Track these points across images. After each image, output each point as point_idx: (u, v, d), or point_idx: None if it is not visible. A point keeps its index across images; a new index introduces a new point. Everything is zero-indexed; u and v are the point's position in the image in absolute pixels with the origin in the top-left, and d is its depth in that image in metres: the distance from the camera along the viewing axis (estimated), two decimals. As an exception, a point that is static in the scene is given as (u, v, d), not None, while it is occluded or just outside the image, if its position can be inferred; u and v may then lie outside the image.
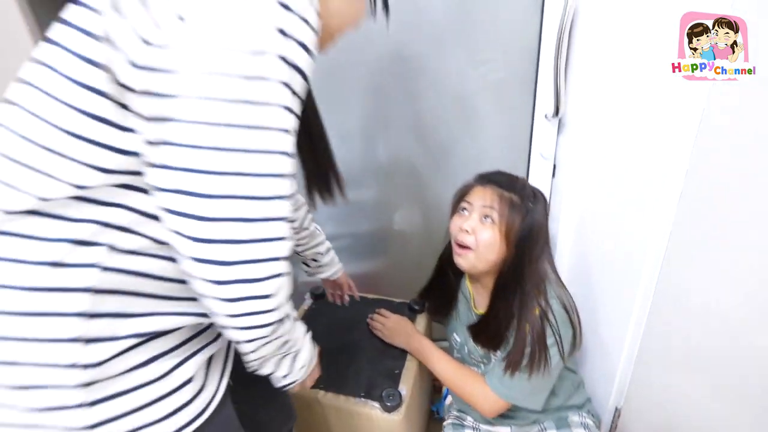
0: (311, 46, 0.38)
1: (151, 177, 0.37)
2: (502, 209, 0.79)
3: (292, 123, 0.39)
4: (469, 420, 0.98)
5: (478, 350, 0.90)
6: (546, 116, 1.07)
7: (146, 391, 0.44)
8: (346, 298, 1.10)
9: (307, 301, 1.20)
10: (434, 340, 1.01)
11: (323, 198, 0.73)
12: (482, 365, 0.93)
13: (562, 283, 0.88)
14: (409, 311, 1.11)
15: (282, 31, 0.35)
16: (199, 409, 0.48)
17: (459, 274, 0.96)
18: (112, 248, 0.40)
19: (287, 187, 0.40)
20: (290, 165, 0.40)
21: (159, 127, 0.35)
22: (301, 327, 0.56)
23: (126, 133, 0.37)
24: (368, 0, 0.53)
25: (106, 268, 0.40)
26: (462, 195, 0.86)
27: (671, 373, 0.78)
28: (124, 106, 0.36)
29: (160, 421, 0.45)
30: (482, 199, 0.81)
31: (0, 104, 0.39)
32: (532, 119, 1.11)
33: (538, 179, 1.18)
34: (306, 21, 0.37)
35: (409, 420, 0.91)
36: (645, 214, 0.78)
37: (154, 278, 0.43)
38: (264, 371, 0.53)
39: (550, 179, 1.17)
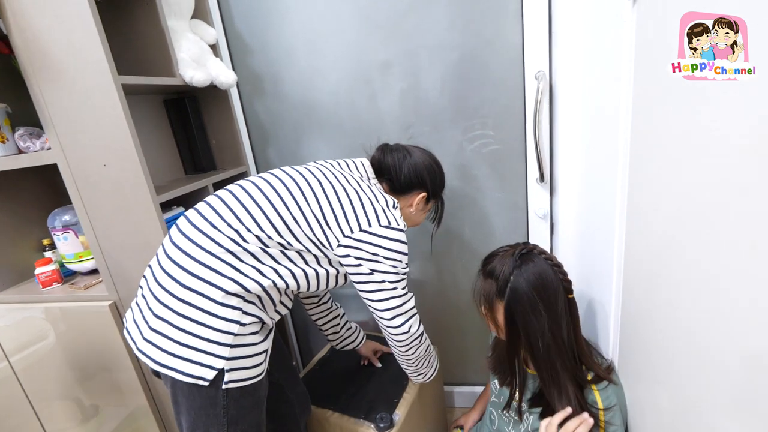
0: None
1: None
2: (485, 301, 0.84)
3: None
4: None
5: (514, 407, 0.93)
6: (536, 181, 1.22)
7: (251, 349, 0.77)
8: (377, 363, 1.30)
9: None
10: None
11: None
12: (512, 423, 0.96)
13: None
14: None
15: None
16: (262, 371, 0.80)
17: None
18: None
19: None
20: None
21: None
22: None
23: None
24: (431, 214, 1.08)
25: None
26: None
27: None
28: None
29: (252, 368, 0.77)
30: (477, 292, 0.87)
31: None
32: (526, 184, 1.26)
33: (537, 238, 1.29)
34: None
35: (401, 443, 1.05)
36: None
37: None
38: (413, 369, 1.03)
39: (549, 237, 1.28)
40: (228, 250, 0.74)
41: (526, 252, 0.83)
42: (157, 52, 1.05)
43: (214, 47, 1.25)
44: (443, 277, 1.46)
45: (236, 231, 0.75)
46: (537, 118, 1.12)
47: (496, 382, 1.02)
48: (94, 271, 1.20)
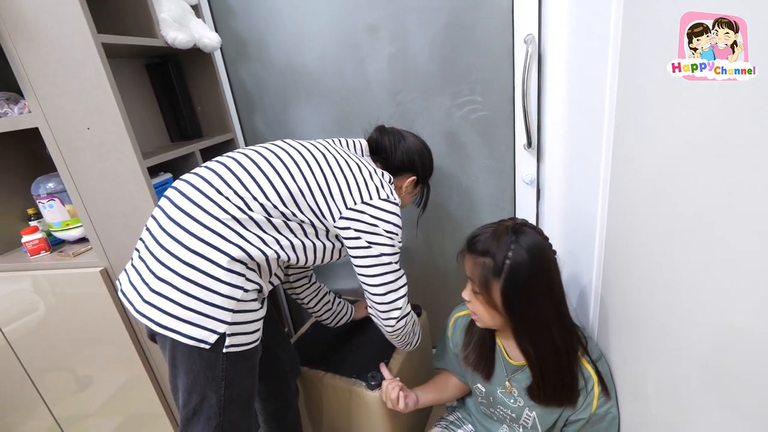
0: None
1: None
2: (479, 281, 0.76)
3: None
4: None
5: (510, 404, 0.88)
6: (524, 147, 1.23)
7: (250, 315, 0.78)
8: None
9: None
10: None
11: None
12: (509, 420, 0.92)
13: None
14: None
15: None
16: (259, 336, 0.82)
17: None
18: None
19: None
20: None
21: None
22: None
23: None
24: (417, 198, 1.11)
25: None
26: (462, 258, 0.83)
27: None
28: None
29: (250, 334, 0.79)
30: (467, 270, 0.80)
31: None
32: (514, 150, 1.27)
33: (524, 204, 1.32)
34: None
35: (390, 399, 1.09)
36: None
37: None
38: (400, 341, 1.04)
39: (536, 203, 1.31)
40: (234, 217, 0.75)
41: (520, 225, 0.78)
42: (137, 11, 1.02)
43: (195, 8, 1.21)
44: (431, 245, 1.49)
45: (242, 199, 0.76)
46: (525, 83, 1.12)
47: (479, 385, 0.93)
48: (82, 240, 1.19)
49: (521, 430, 0.91)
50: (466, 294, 0.82)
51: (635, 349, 0.73)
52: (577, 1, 0.96)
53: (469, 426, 1.05)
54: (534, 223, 1.19)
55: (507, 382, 0.88)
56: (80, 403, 1.32)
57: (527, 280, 0.73)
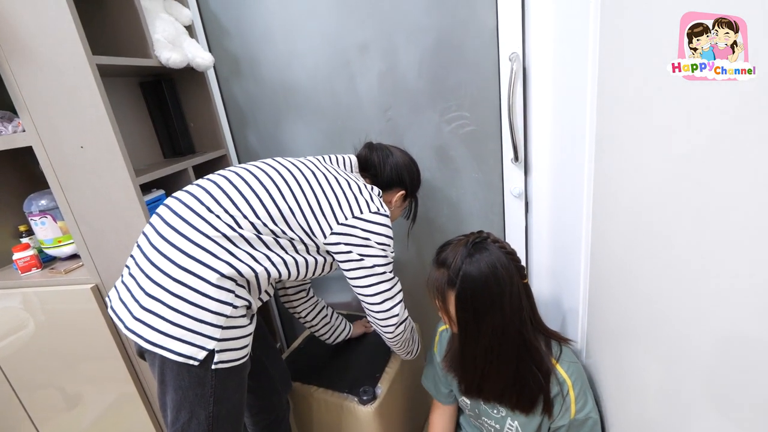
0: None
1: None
2: (437, 290, 0.81)
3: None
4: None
5: (493, 414, 0.90)
6: (511, 161, 1.26)
7: (239, 331, 0.79)
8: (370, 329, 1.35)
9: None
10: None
11: None
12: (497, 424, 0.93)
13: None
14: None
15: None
16: (248, 352, 0.83)
17: None
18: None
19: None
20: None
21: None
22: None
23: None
24: (406, 212, 1.14)
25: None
26: None
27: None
28: None
29: (239, 350, 0.79)
30: (430, 283, 0.83)
31: None
32: (502, 164, 1.29)
33: (513, 217, 1.34)
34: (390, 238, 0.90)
35: (382, 414, 1.09)
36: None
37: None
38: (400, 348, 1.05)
39: (524, 216, 1.33)
40: (224, 235, 0.76)
41: (480, 240, 0.81)
42: (131, 32, 1.04)
43: (189, 28, 1.24)
44: (423, 258, 1.50)
45: (232, 217, 0.77)
46: (511, 99, 1.15)
47: (465, 398, 0.94)
48: (74, 257, 1.19)
49: None
50: (438, 305, 0.84)
51: (621, 359, 0.74)
52: (558, 21, 1.00)
53: None
54: (524, 236, 1.20)
55: None
56: (69, 422, 1.31)
57: (475, 293, 0.76)
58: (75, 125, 0.91)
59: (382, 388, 1.12)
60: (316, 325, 1.21)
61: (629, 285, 0.67)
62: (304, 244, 0.84)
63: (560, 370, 0.82)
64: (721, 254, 0.43)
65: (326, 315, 1.22)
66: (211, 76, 1.36)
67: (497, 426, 0.91)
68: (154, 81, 1.23)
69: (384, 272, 0.89)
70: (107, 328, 1.09)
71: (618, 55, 0.63)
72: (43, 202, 1.12)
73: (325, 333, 1.24)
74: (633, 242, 0.63)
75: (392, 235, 0.90)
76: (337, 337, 1.27)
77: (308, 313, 1.17)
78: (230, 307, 0.75)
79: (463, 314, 0.78)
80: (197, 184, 0.83)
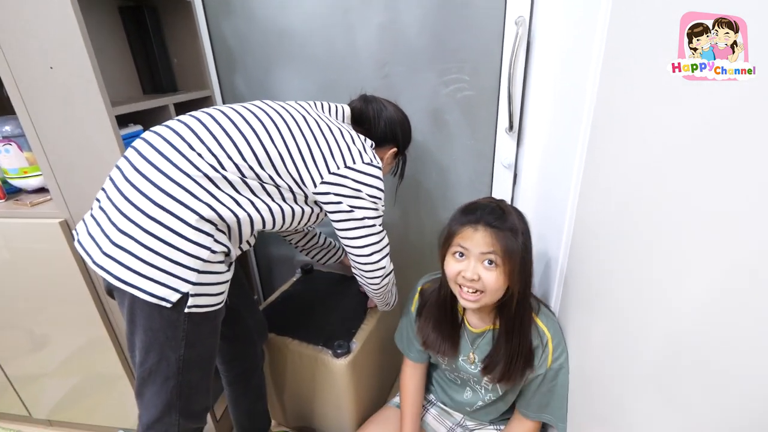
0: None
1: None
2: (503, 252, 0.77)
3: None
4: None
5: (471, 370, 0.93)
6: (505, 130, 1.24)
7: (216, 277, 0.76)
8: None
9: (297, 274, 1.47)
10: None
11: None
12: (473, 381, 0.97)
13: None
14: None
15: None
16: (223, 299, 0.81)
17: (455, 302, 0.91)
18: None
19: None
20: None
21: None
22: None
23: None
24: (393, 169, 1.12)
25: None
26: (451, 235, 0.82)
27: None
28: None
29: (215, 296, 0.77)
30: (479, 245, 0.78)
31: None
32: (495, 133, 1.28)
33: (501, 187, 1.34)
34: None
35: (355, 368, 1.11)
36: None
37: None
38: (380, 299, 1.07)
39: (512, 187, 1.33)
40: (206, 175, 0.72)
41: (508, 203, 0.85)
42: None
43: (177, -48, 1.14)
44: (408, 221, 1.49)
45: (216, 157, 0.73)
46: (513, 65, 1.12)
47: (439, 358, 0.97)
48: (41, 190, 1.13)
49: (484, 391, 0.95)
50: (473, 269, 0.78)
51: (591, 327, 0.76)
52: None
53: (432, 396, 1.08)
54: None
55: (471, 354, 0.91)
56: (35, 363, 1.28)
57: (530, 248, 0.82)
58: (44, 42, 0.83)
59: (356, 344, 1.13)
60: (306, 246, 1.24)
61: (601, 264, 0.69)
62: (292, 193, 0.81)
63: (539, 323, 0.86)
64: (691, 253, 0.44)
65: (317, 242, 1.25)
66: (199, 10, 1.27)
67: (475, 378, 0.94)
68: (135, 7, 1.14)
69: (374, 224, 0.89)
70: (77, 266, 1.05)
71: (635, 37, 0.61)
72: (8, 128, 1.04)
73: (316, 254, 1.28)
74: (613, 226, 0.65)
75: (384, 189, 0.88)
76: (329, 258, 1.30)
77: (299, 240, 1.21)
78: (208, 251, 0.72)
79: (525, 268, 0.80)
80: (179, 120, 0.77)
